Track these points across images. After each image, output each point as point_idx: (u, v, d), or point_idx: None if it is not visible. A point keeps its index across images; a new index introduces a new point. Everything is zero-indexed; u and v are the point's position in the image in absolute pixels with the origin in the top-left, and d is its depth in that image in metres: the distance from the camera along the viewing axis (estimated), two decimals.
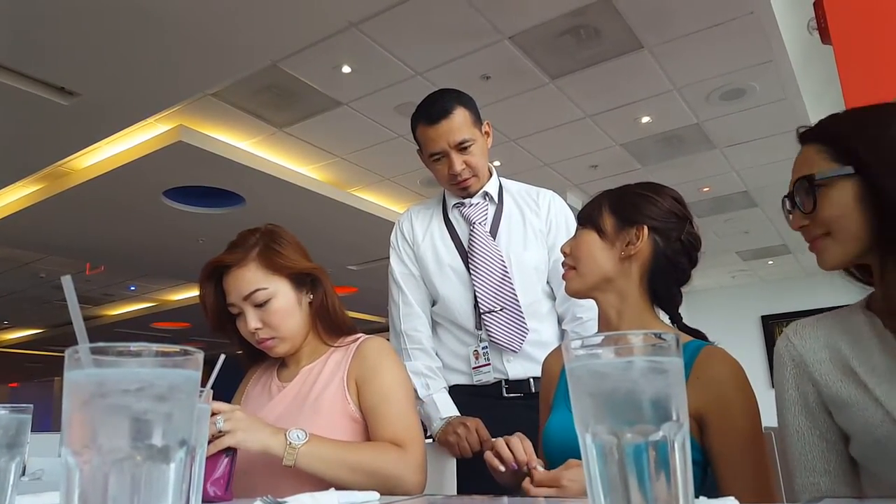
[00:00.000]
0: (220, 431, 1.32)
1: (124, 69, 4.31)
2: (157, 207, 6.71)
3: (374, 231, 7.21)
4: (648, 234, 1.44)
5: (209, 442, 1.30)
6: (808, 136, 1.21)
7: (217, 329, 1.70)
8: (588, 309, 2.03)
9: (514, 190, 2.27)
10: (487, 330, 2.08)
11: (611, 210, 1.49)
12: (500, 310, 2.08)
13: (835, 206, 1.13)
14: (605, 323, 1.51)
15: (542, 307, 2.15)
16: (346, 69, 4.66)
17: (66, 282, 0.71)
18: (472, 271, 2.11)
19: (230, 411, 1.36)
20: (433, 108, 2.06)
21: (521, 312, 2.08)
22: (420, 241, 2.22)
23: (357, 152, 6.08)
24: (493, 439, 1.44)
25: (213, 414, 1.30)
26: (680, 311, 1.54)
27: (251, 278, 1.60)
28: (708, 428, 1.30)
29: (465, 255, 2.14)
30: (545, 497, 1.23)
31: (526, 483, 1.28)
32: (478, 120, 2.12)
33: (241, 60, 4.39)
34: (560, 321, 2.17)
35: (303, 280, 1.68)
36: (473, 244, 2.13)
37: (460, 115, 2.05)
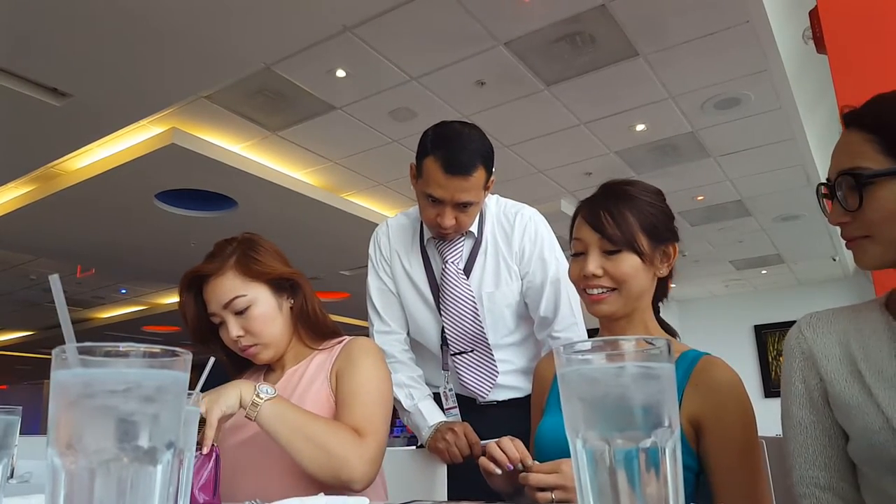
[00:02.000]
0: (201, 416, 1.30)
1: (117, 71, 4.30)
2: (149, 210, 6.69)
3: (367, 236, 7.12)
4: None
5: (201, 441, 1.28)
6: (856, 120, 1.10)
7: (199, 341, 1.70)
8: (565, 334, 2.01)
9: (494, 213, 2.13)
10: (457, 372, 2.07)
11: (643, 230, 1.42)
12: (471, 351, 2.07)
13: (882, 207, 1.04)
14: (607, 332, 1.49)
15: (513, 337, 2.11)
16: (341, 73, 4.67)
17: (54, 280, 0.70)
18: (442, 312, 2.06)
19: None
20: (456, 159, 1.86)
21: (492, 355, 2.06)
22: (395, 263, 2.16)
23: (350, 157, 6.07)
24: (484, 442, 1.43)
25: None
26: (673, 320, 1.54)
27: (230, 286, 1.61)
28: (704, 435, 1.30)
29: (437, 291, 2.08)
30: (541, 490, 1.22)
31: (524, 474, 1.26)
32: (489, 178, 1.95)
33: (235, 63, 4.39)
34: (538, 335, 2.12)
35: (282, 286, 1.68)
36: (445, 283, 2.05)
37: (478, 177, 1.88)
